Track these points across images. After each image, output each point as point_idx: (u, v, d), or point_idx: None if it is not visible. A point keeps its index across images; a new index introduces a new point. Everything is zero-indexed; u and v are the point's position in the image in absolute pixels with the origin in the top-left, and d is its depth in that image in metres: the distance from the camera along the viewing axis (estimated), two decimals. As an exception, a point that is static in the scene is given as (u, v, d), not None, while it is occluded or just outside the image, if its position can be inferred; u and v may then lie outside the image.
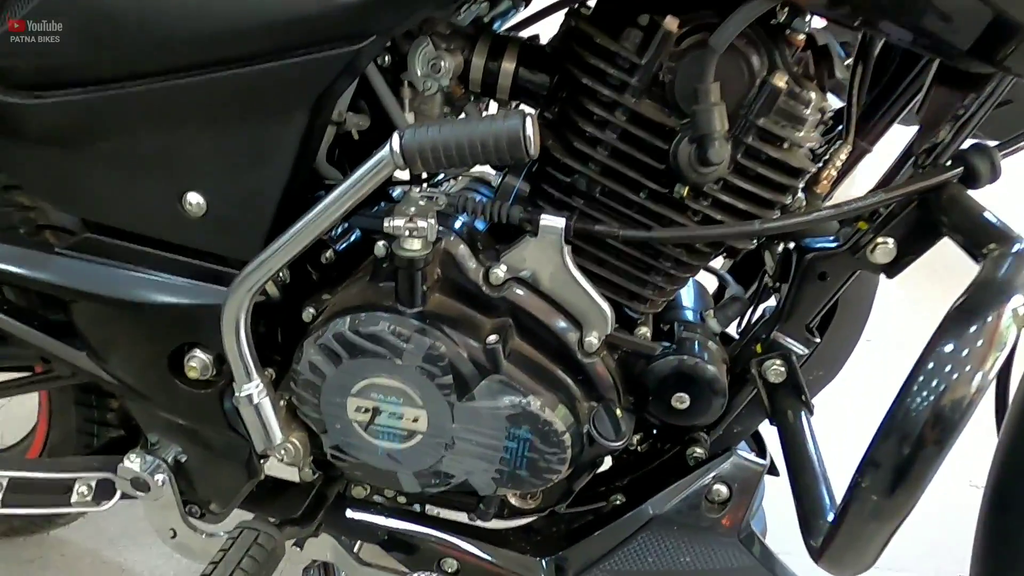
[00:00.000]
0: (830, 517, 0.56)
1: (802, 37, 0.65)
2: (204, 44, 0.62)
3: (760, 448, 0.91)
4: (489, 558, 0.83)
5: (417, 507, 0.90)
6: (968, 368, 0.42)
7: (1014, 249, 0.47)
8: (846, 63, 0.81)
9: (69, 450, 1.12)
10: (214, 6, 0.61)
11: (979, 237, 0.52)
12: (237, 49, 0.63)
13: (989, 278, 0.45)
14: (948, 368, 0.42)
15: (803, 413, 0.71)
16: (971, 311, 0.43)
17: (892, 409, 0.44)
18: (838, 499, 0.56)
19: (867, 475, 0.45)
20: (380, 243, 0.70)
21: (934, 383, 0.42)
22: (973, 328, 0.42)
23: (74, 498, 0.84)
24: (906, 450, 0.42)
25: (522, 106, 0.78)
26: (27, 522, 1.22)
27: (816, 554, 0.53)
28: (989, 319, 0.42)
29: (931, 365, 0.43)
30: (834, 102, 0.91)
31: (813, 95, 0.65)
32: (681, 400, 0.73)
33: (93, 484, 0.84)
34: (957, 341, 0.42)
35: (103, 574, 1.26)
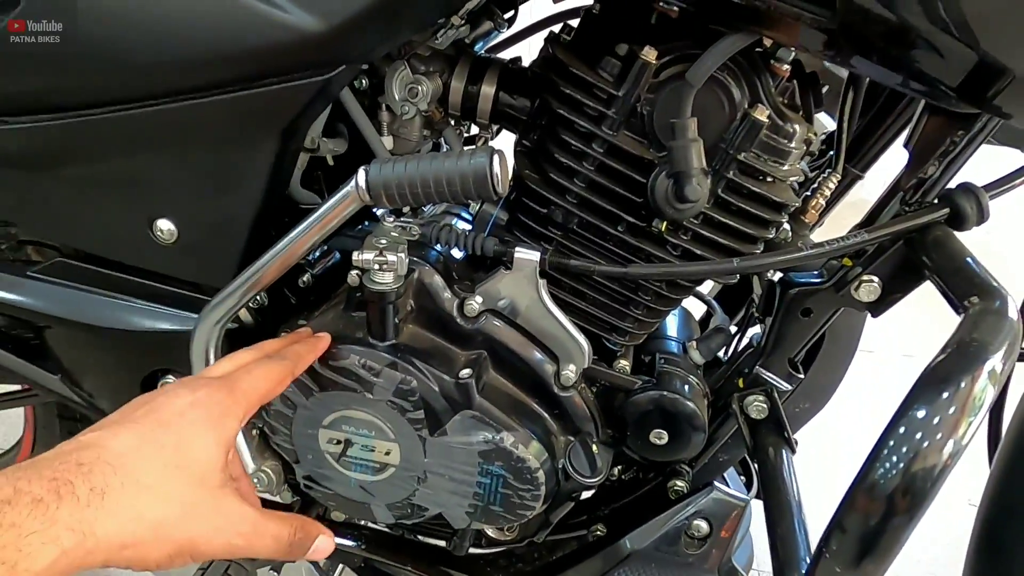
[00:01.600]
0: (804, 570, 0.55)
1: (787, 67, 0.62)
2: (172, 73, 0.61)
3: (748, 475, 0.90)
4: (466, 588, 0.82)
5: (396, 533, 0.89)
6: (939, 436, 0.40)
7: (995, 305, 0.45)
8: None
9: (54, 463, 1.12)
10: (181, 35, 0.59)
11: (961, 287, 0.50)
12: (205, 78, 0.61)
13: (966, 339, 0.43)
14: (919, 435, 0.40)
15: (784, 451, 0.70)
16: (945, 375, 0.41)
17: (860, 475, 0.42)
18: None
19: (832, 542, 0.43)
20: (353, 272, 0.69)
21: (904, 450, 0.40)
22: (946, 394, 0.40)
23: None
24: (873, 520, 0.41)
25: (499, 136, 0.76)
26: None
27: (787, 611, 0.52)
28: (963, 384, 0.40)
29: (902, 430, 0.41)
30: (828, 123, 0.89)
31: (797, 127, 0.62)
32: (659, 436, 0.71)
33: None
34: (929, 407, 0.40)
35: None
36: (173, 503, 0.45)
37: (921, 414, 0.41)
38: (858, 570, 0.41)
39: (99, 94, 0.63)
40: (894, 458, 0.41)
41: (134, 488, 0.43)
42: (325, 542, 0.57)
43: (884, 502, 0.41)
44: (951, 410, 0.40)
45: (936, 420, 0.40)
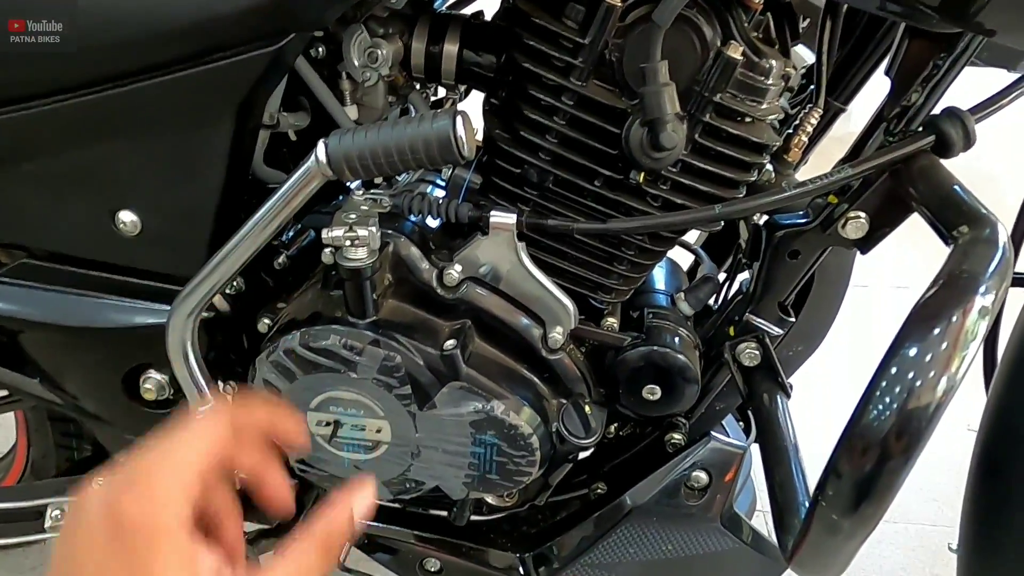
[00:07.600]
0: (803, 515, 0.54)
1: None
2: (118, 54, 0.58)
3: (746, 420, 0.89)
4: (471, 555, 0.82)
5: (398, 505, 0.88)
6: (932, 374, 0.39)
7: (985, 233, 0.43)
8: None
9: (51, 465, 1.11)
10: (125, 14, 0.56)
11: (949, 216, 0.48)
12: (153, 57, 0.58)
13: (956, 271, 0.41)
14: (911, 375, 0.39)
15: (779, 396, 0.69)
16: (936, 310, 0.40)
17: (852, 419, 0.41)
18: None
19: (828, 488, 0.42)
20: (326, 250, 0.67)
21: (897, 390, 0.39)
22: (937, 330, 0.39)
23: (48, 523, 0.82)
24: (869, 464, 0.40)
25: (469, 97, 0.73)
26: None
27: (787, 557, 0.51)
28: (955, 318, 0.39)
29: (894, 370, 0.40)
30: (807, 56, 0.86)
31: (774, 63, 0.60)
32: (652, 391, 0.70)
33: (65, 507, 0.83)
34: (920, 345, 0.39)
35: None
36: None
37: (912, 352, 0.39)
38: (855, 515, 0.41)
39: (45, 84, 0.60)
40: (887, 399, 0.40)
41: None
42: (362, 503, 0.39)
43: (879, 445, 0.40)
44: (943, 346, 0.39)
45: (928, 357, 0.39)
